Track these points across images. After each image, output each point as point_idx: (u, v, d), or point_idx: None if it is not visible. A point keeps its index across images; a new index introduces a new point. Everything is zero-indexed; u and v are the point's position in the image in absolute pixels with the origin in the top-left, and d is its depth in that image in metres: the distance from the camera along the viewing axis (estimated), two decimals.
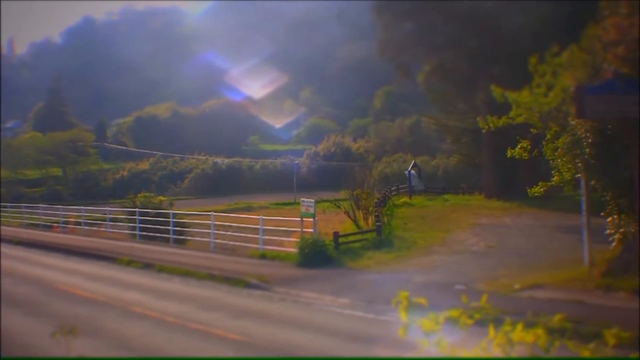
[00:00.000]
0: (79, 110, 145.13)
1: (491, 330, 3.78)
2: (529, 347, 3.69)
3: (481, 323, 4.12)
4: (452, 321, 3.92)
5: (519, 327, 3.74)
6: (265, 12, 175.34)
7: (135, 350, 12.98)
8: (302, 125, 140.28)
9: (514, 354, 3.69)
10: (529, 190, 24.61)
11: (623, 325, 11.93)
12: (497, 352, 3.70)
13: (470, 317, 3.96)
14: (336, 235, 26.31)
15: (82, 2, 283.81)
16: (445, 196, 48.17)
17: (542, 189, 23.42)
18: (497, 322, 3.92)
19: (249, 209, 56.28)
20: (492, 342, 3.72)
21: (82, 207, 50.31)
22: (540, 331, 3.69)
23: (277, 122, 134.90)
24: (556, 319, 4.12)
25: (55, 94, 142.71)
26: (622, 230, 17.48)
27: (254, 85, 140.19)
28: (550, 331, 3.85)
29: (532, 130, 20.43)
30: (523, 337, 3.70)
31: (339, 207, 33.48)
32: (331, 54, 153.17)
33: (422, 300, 3.98)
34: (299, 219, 27.66)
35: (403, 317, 3.90)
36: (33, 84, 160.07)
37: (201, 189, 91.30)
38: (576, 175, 19.56)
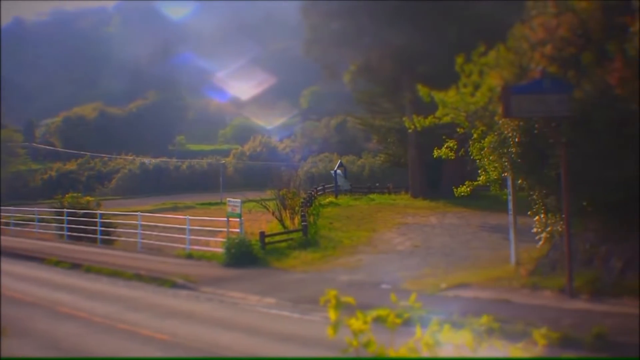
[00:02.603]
0: (7, 111, 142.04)
1: (418, 330, 3.66)
2: (456, 347, 3.57)
3: (409, 323, 4.00)
4: (380, 320, 3.76)
5: (446, 327, 3.61)
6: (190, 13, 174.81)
7: (64, 350, 13.09)
8: (228, 124, 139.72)
9: (441, 354, 3.56)
10: (455, 189, 24.69)
11: (550, 324, 12.01)
12: (424, 352, 3.56)
13: (399, 316, 3.84)
14: (262, 235, 26.38)
15: (14, 3, 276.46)
16: (371, 196, 48.16)
17: (468, 189, 23.52)
18: (424, 322, 3.80)
19: (175, 209, 56.84)
20: (419, 341, 3.58)
21: (10, 208, 50.04)
22: (467, 332, 3.59)
23: (205, 122, 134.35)
24: (484, 320, 3.96)
25: None
26: (548, 229, 17.61)
27: (180, 84, 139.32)
28: (478, 331, 3.74)
29: (458, 129, 20.45)
30: (450, 337, 3.59)
31: (265, 207, 33.43)
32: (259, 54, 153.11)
33: (351, 300, 3.83)
34: (225, 218, 27.71)
35: (332, 316, 3.73)
36: None
37: (128, 189, 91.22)
38: (503, 175, 19.68)
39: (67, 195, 42.59)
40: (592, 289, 14.98)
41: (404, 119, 23.70)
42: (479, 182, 21.87)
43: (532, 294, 15.91)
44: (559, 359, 10.33)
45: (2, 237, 37.03)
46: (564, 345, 11.11)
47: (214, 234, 30.08)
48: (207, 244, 28.59)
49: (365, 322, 3.69)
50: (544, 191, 17.27)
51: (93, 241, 35.02)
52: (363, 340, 3.63)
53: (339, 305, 3.79)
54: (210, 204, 63.32)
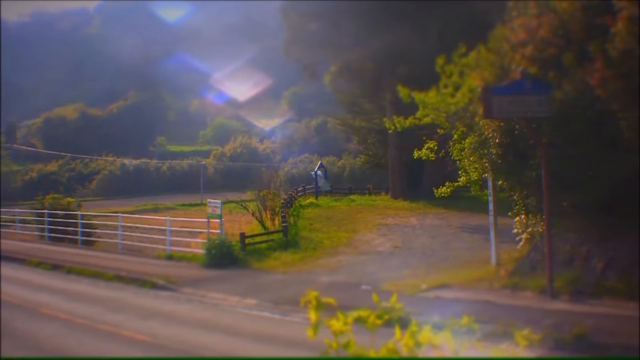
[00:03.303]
0: None
1: (397, 331, 3.67)
2: (436, 348, 3.56)
3: (389, 323, 3.94)
4: (361, 321, 3.76)
5: (426, 328, 3.62)
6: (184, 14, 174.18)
7: (46, 351, 13.16)
8: (208, 125, 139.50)
9: (420, 354, 3.57)
10: (435, 190, 24.72)
11: (531, 324, 12.01)
12: (404, 353, 3.58)
13: (379, 317, 3.82)
14: (242, 236, 26.42)
15: None
16: (352, 197, 48.14)
17: (448, 190, 23.55)
18: (405, 323, 3.79)
19: (156, 210, 57.06)
20: (399, 342, 3.59)
21: None
22: (447, 333, 3.59)
23: (186, 123, 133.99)
24: (464, 320, 3.92)
25: None
26: (529, 229, 17.63)
27: (161, 85, 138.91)
28: (458, 332, 3.73)
29: (439, 130, 20.48)
30: (430, 338, 3.60)
31: (245, 208, 33.36)
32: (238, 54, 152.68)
33: (332, 300, 3.85)
34: (206, 219, 27.70)
35: (312, 317, 3.74)
36: None
37: (109, 190, 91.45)
38: (483, 176, 19.71)
39: (47, 197, 42.73)
40: (573, 290, 15.00)
41: (384, 119, 23.80)
42: (460, 183, 21.91)
43: (513, 294, 15.91)
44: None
45: None
46: (545, 346, 11.11)
47: (194, 235, 30.02)
48: (187, 245, 28.58)
49: (345, 323, 3.69)
50: (525, 192, 17.29)
51: (74, 242, 35.05)
52: (343, 341, 3.64)
53: (320, 306, 3.79)
54: (190, 205, 63.42)
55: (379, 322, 3.79)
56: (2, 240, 36.03)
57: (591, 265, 15.49)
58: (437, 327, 3.73)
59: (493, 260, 19.22)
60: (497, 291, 16.36)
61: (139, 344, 13.68)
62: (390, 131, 25.12)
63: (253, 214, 32.31)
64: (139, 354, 12.93)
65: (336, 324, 3.68)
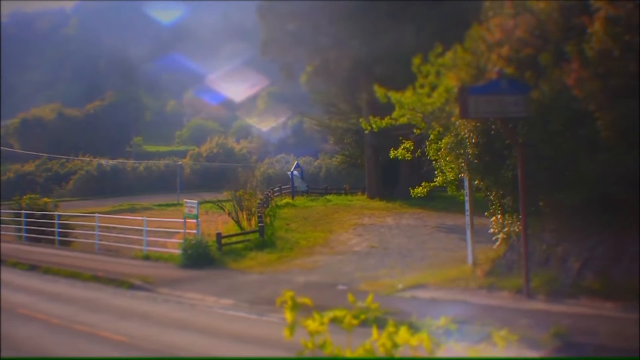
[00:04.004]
0: None
1: (374, 332, 3.62)
2: (413, 349, 3.52)
3: (366, 324, 3.93)
4: (337, 322, 3.73)
5: (403, 328, 3.57)
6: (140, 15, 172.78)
7: (23, 352, 13.24)
8: (184, 126, 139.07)
9: (397, 355, 3.52)
10: (411, 190, 24.76)
11: (507, 324, 12.00)
12: (380, 353, 3.52)
13: (356, 317, 3.78)
14: (219, 236, 26.42)
15: None
16: (328, 197, 48.13)
17: (425, 190, 23.60)
18: (381, 323, 3.75)
19: (132, 210, 57.15)
20: (375, 343, 3.54)
21: None
22: (424, 334, 3.54)
23: (162, 124, 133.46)
24: (441, 321, 3.89)
25: None
26: (505, 229, 17.66)
27: (138, 85, 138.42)
28: (435, 332, 3.69)
29: (415, 130, 20.48)
30: (407, 339, 3.55)
31: (221, 208, 33.35)
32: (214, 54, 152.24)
33: (307, 300, 3.81)
34: (182, 220, 27.77)
35: (288, 317, 3.71)
36: None
37: (86, 190, 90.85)
38: (459, 176, 19.73)
39: (25, 197, 42.48)
40: (549, 290, 15.03)
41: (360, 119, 23.79)
42: (436, 183, 21.97)
43: (489, 294, 15.93)
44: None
45: None
46: (522, 346, 11.09)
47: (171, 235, 29.99)
48: (164, 245, 28.63)
49: (321, 324, 3.66)
50: (501, 192, 17.31)
51: (51, 242, 35.07)
52: (319, 342, 3.61)
53: (295, 307, 3.77)
54: (167, 205, 63.26)
55: (355, 322, 3.76)
56: None
57: (568, 265, 15.53)
58: (415, 328, 3.71)
59: (469, 260, 19.24)
60: (474, 291, 16.38)
61: (116, 344, 13.72)
62: (366, 131, 25.11)
63: (229, 214, 32.31)
64: (116, 354, 13.02)
65: (312, 324, 3.65)
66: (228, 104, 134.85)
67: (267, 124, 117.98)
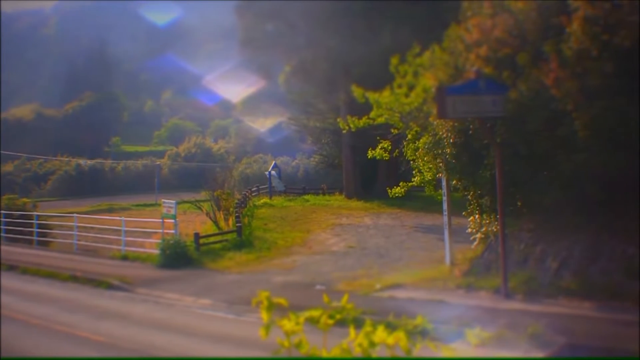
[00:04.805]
0: None
1: (351, 331, 3.62)
2: (390, 348, 3.52)
3: (342, 323, 3.93)
4: (312, 321, 3.76)
5: (380, 328, 3.56)
6: (124, 14, 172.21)
7: (2, 352, 13.12)
8: (162, 126, 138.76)
9: (374, 354, 3.52)
10: (389, 190, 24.79)
11: (485, 324, 12.00)
12: (357, 353, 3.52)
13: (331, 317, 3.80)
14: (197, 236, 26.36)
15: None
16: (306, 197, 48.07)
17: (402, 190, 23.61)
18: (359, 323, 3.76)
19: (110, 211, 57.45)
20: (352, 342, 3.54)
21: None
22: (401, 333, 3.54)
23: (141, 124, 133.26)
24: (418, 320, 3.87)
25: None
26: (483, 229, 17.72)
27: (115, 85, 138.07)
28: (412, 332, 3.73)
29: (392, 130, 20.50)
30: (384, 338, 3.55)
31: (199, 208, 33.36)
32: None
33: (283, 301, 3.83)
34: (160, 220, 27.87)
35: (264, 317, 3.72)
36: None
37: (64, 190, 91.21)
38: (437, 175, 19.76)
39: (3, 197, 42.99)
40: (527, 289, 15.05)
41: (338, 119, 23.74)
42: (414, 182, 22.01)
43: (467, 294, 15.94)
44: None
45: None
46: (499, 346, 11.09)
47: (149, 235, 30.16)
48: (142, 245, 28.65)
49: (297, 323, 3.67)
50: (479, 192, 17.35)
51: (29, 243, 35.20)
52: (295, 341, 3.62)
53: (271, 307, 3.79)
54: (145, 205, 63.44)
55: (330, 322, 3.78)
56: None
57: (545, 265, 15.56)
58: (392, 327, 3.69)
59: (447, 260, 19.26)
60: (452, 291, 16.37)
61: (94, 344, 13.78)
62: (344, 131, 25.14)
63: (207, 214, 32.31)
64: (94, 354, 13.08)
65: (288, 324, 3.65)
66: (202, 106, 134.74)
67: (246, 124, 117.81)
